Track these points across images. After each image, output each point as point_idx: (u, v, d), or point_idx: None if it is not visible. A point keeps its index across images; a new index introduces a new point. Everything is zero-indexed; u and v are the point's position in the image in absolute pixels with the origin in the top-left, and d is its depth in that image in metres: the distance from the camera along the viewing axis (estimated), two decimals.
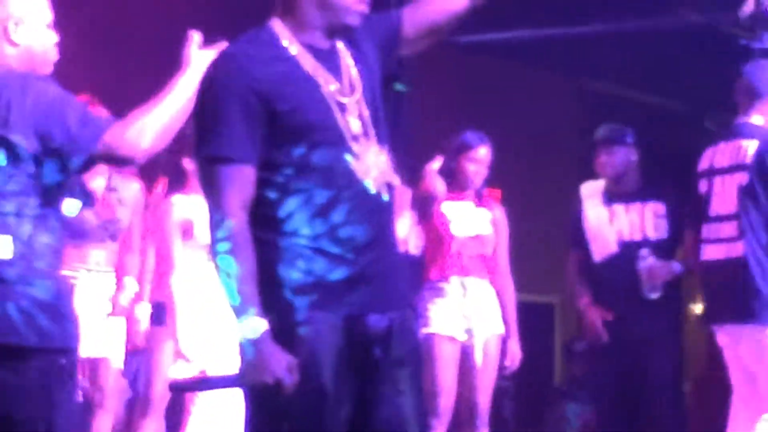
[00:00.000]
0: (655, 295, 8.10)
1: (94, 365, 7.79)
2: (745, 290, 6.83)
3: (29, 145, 4.62)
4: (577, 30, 10.36)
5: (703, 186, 7.07)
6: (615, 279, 8.29)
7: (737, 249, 6.89)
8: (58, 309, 4.74)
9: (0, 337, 4.61)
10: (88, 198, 7.26)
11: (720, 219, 6.99)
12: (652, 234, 8.33)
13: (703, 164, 7.09)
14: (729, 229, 6.95)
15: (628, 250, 8.30)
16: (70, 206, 6.31)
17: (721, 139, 7.13)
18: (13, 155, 4.63)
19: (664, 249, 8.30)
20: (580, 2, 10.12)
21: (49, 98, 4.68)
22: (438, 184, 8.05)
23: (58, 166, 4.63)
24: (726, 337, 6.98)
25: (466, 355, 8.08)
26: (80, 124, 4.64)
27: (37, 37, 4.90)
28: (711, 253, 7.03)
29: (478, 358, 8.10)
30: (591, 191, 8.52)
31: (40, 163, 4.60)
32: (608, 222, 8.42)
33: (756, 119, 7.00)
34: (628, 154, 8.45)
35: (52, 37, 4.94)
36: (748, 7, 8.06)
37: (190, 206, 7.33)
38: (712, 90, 10.21)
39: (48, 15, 4.98)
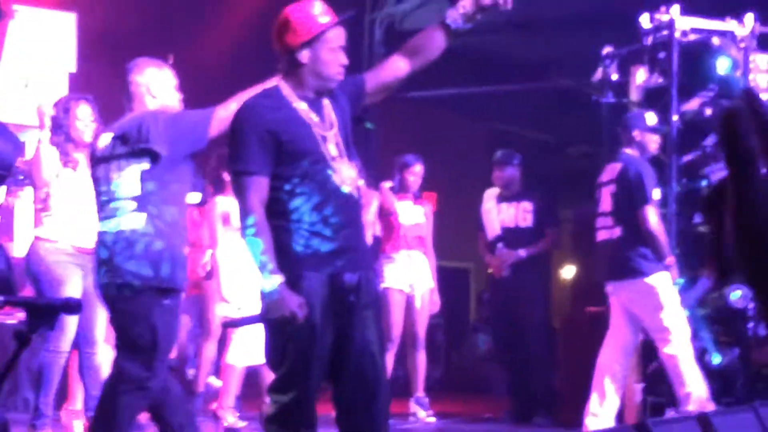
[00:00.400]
0: (507, 273, 8.35)
1: None
2: (622, 258, 6.85)
3: (161, 149, 4.84)
4: (488, 89, 10.32)
5: (597, 193, 7.08)
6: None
7: (615, 232, 6.90)
8: (173, 260, 4.86)
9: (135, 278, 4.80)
10: None
11: (604, 214, 6.99)
12: (522, 223, 8.43)
13: (599, 179, 7.10)
14: (609, 220, 6.95)
15: (507, 233, 8.45)
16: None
17: (608, 162, 7.13)
18: (153, 159, 4.84)
19: (529, 234, 8.39)
20: (489, 70, 10.08)
21: (173, 117, 4.95)
22: (389, 197, 8.14)
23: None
24: (612, 289, 6.96)
25: (409, 301, 8.15)
26: (195, 126, 4.89)
27: (167, 95, 5.09)
28: (601, 236, 7.01)
29: (417, 303, 8.17)
30: (490, 195, 8.62)
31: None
32: (497, 214, 8.49)
33: (628, 150, 6.97)
34: (513, 171, 8.49)
35: (177, 96, 5.15)
36: (598, 75, 8.09)
37: (228, 203, 7.27)
38: (574, 128, 10.25)
39: (173, 80, 5.21)
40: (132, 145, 4.88)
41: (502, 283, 8.46)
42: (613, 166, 7.02)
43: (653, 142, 7.08)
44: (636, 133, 6.99)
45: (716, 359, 7.28)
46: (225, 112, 4.70)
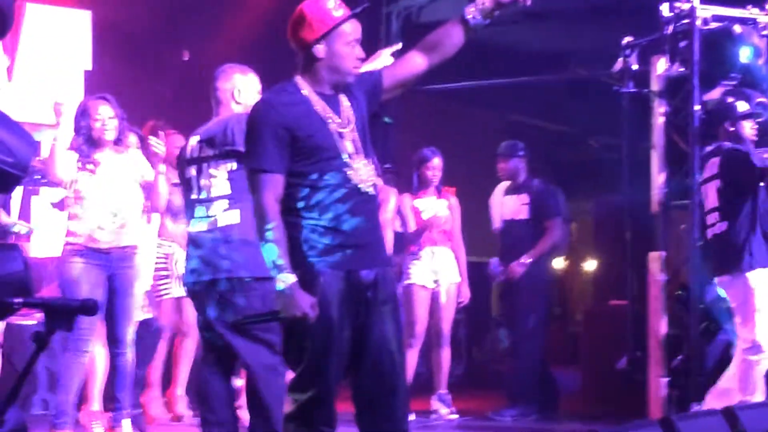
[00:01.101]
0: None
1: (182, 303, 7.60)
2: (727, 253, 6.76)
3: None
4: (504, 81, 10.31)
5: (702, 190, 7.02)
6: (503, 243, 8.59)
7: (722, 227, 6.77)
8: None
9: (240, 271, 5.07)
10: None
11: (711, 210, 6.91)
12: (517, 216, 8.47)
13: (702, 175, 7.01)
14: (716, 216, 6.87)
15: (506, 225, 8.55)
16: None
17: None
18: (239, 160, 5.07)
19: (524, 226, 8.39)
20: (507, 62, 10.09)
21: None
22: (405, 204, 8.25)
23: None
24: (719, 284, 6.84)
25: (434, 297, 8.14)
26: None
27: (252, 99, 5.26)
28: (711, 232, 6.87)
29: (442, 299, 8.16)
30: (500, 188, 8.61)
31: None
32: (500, 207, 8.59)
33: (726, 142, 6.90)
34: (517, 162, 8.48)
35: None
36: (618, 65, 8.07)
37: None
38: (594, 119, 10.25)
39: (258, 85, 5.47)
40: (218, 147, 5.21)
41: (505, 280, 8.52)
42: (713, 161, 6.97)
43: (749, 129, 7.01)
44: (728, 124, 6.96)
45: None
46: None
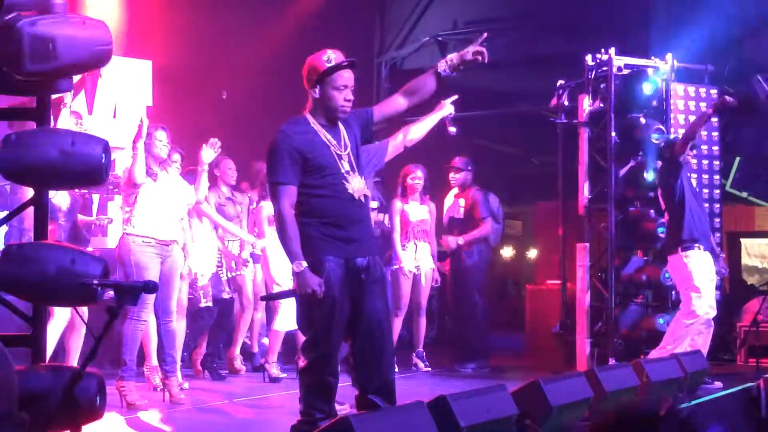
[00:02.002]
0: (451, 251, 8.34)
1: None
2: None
3: None
4: (471, 113, 10.29)
5: None
6: (447, 233, 8.43)
7: None
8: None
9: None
10: None
11: None
12: (456, 215, 8.42)
13: None
14: None
15: (450, 220, 8.49)
16: None
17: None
18: None
19: (459, 223, 8.37)
20: (472, 99, 10.06)
21: (365, 149, 5.02)
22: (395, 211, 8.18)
23: None
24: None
25: (416, 279, 8.12)
26: (377, 155, 5.36)
27: None
28: None
29: (422, 281, 8.14)
30: (451, 193, 8.58)
31: None
32: (448, 207, 8.52)
33: None
34: (466, 175, 8.41)
35: None
36: (553, 101, 8.10)
37: (272, 207, 7.29)
38: (535, 143, 10.25)
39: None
40: None
41: (452, 263, 8.47)
42: None
43: None
44: None
45: None
46: (395, 142, 5.23)
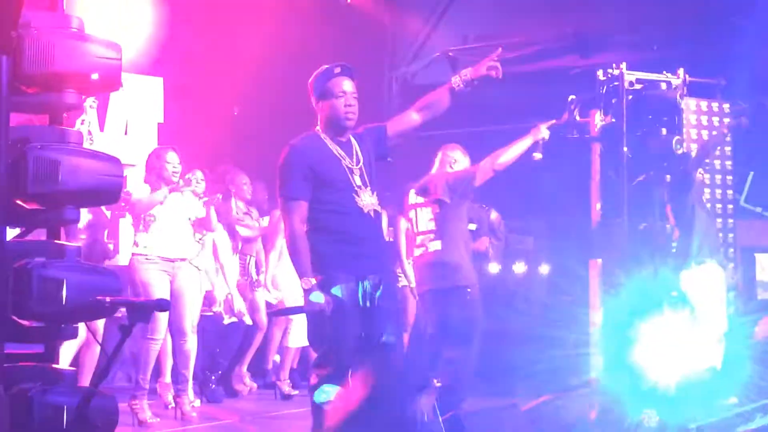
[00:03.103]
0: None
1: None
2: None
3: (446, 199, 5.95)
4: (482, 129, 10.29)
5: None
6: None
7: None
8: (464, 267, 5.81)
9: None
10: None
11: None
12: None
13: None
14: None
15: None
16: None
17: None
18: (441, 205, 5.91)
19: None
20: (481, 114, 10.06)
21: (453, 176, 6.07)
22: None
23: None
24: None
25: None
26: (466, 181, 5.99)
27: (460, 165, 6.14)
28: None
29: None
30: None
31: None
32: None
33: None
34: None
35: (466, 163, 6.18)
36: (564, 117, 8.06)
37: None
38: (546, 158, 10.19)
39: (464, 158, 6.28)
40: (428, 196, 5.85)
41: None
42: None
43: None
44: None
45: None
46: (483, 167, 5.81)
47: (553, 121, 5.87)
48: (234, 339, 7.44)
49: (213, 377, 7.21)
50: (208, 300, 7.21)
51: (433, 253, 5.83)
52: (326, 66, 4.20)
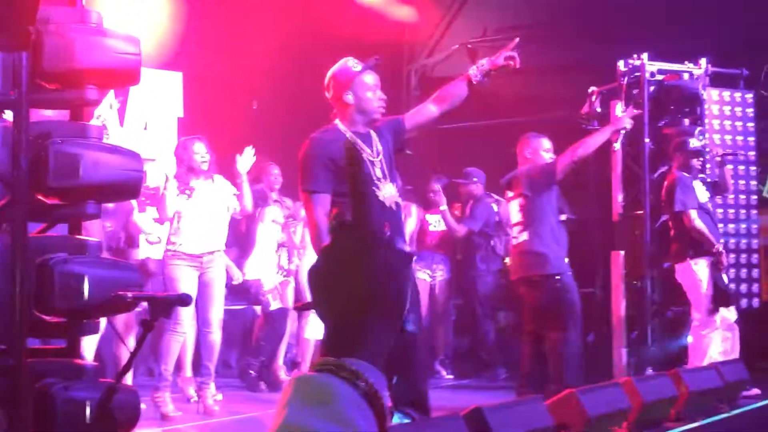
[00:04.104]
0: None
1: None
2: None
3: (528, 192, 6.16)
4: (502, 121, 10.25)
5: None
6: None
7: None
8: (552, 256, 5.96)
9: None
10: None
11: None
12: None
13: None
14: None
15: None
16: None
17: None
18: (525, 197, 6.11)
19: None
20: (503, 106, 10.03)
21: (534, 169, 6.23)
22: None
23: None
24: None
25: (431, 288, 8.23)
26: (548, 174, 6.18)
27: (537, 156, 6.25)
28: None
29: (437, 289, 8.27)
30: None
31: None
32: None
33: None
34: (471, 186, 8.45)
35: (548, 155, 6.24)
36: (585, 108, 8.03)
37: None
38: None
39: (547, 144, 6.35)
40: (513, 189, 6.04)
41: (460, 273, 8.59)
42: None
43: (696, 162, 6.99)
44: (679, 156, 7.01)
45: None
46: (564, 160, 5.93)
47: (634, 111, 5.95)
48: (280, 324, 7.43)
49: (254, 363, 7.25)
50: (255, 288, 7.25)
51: (522, 243, 6.08)
52: (352, 59, 4.17)
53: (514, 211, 6.22)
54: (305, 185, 4.09)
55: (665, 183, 7.01)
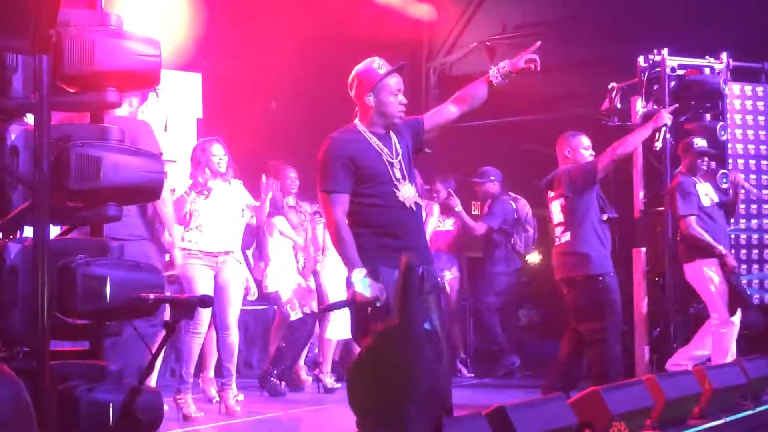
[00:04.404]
0: None
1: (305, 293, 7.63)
2: None
3: (568, 192, 6.17)
4: (520, 118, 10.25)
5: None
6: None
7: None
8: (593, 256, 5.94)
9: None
10: None
11: None
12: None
13: None
14: None
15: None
16: None
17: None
18: (565, 198, 6.16)
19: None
20: (520, 103, 10.01)
21: (573, 169, 6.18)
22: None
23: None
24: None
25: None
26: (589, 173, 6.11)
27: (578, 155, 6.20)
28: None
29: (447, 288, 8.33)
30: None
31: None
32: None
33: None
34: (487, 185, 8.46)
35: (588, 153, 6.22)
36: (605, 104, 7.99)
37: None
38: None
39: (586, 142, 6.30)
40: (554, 190, 6.07)
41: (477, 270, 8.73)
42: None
43: (699, 162, 6.96)
44: (685, 156, 7.00)
45: None
46: (604, 159, 5.94)
47: (676, 105, 5.93)
48: (301, 333, 7.42)
49: (275, 371, 7.22)
50: (274, 301, 7.32)
51: (564, 244, 6.09)
52: (378, 60, 4.16)
53: (555, 211, 6.22)
54: (324, 185, 4.09)
55: (669, 186, 7.02)
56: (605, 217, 6.20)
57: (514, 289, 8.58)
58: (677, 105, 6.46)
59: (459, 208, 8.26)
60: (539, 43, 4.28)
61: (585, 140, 6.30)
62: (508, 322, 8.47)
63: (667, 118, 6.09)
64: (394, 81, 4.15)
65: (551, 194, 6.26)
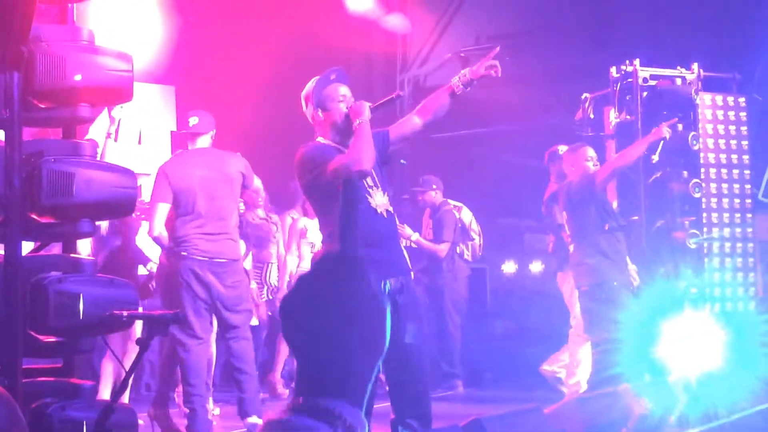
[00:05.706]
0: None
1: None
2: None
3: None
4: (495, 129, 10.27)
5: None
6: None
7: None
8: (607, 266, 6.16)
9: None
10: None
11: None
12: (427, 237, 8.44)
13: None
14: None
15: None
16: None
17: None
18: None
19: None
20: (495, 115, 10.03)
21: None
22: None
23: None
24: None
25: None
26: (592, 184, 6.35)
27: (583, 167, 6.41)
28: None
29: None
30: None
31: None
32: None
33: None
34: (429, 195, 8.46)
35: (592, 166, 6.39)
36: (579, 114, 8.03)
37: (305, 222, 7.46)
38: None
39: (591, 153, 6.57)
40: (558, 204, 6.27)
41: (428, 281, 8.49)
42: None
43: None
44: None
45: None
46: (604, 172, 6.03)
47: (675, 120, 5.98)
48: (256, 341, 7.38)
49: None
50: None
51: (571, 255, 6.40)
52: (318, 76, 4.17)
53: (565, 224, 6.57)
54: (312, 165, 4.02)
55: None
56: (608, 227, 6.28)
57: (462, 298, 8.50)
58: (677, 119, 6.59)
59: (415, 236, 8.12)
60: (498, 49, 4.27)
61: (589, 151, 6.45)
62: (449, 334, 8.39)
63: (666, 131, 6.18)
64: (338, 89, 4.15)
65: (556, 208, 6.60)
